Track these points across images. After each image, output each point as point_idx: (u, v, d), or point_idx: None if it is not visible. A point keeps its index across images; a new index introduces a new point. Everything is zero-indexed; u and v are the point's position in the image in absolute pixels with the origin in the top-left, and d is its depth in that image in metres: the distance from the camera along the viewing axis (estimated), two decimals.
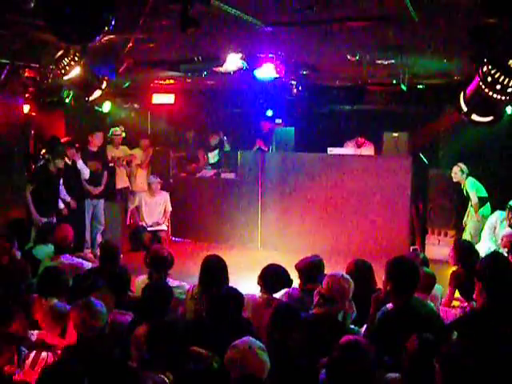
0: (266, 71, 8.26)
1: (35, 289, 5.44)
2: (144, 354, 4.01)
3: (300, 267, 5.75)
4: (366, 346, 3.56)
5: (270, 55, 8.00)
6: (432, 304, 5.11)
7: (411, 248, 9.69)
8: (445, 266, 9.74)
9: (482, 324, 4.22)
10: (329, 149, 11.35)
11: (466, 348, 3.48)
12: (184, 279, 6.40)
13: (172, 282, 5.90)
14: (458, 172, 9.76)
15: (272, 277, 5.50)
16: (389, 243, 9.78)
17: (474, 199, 9.58)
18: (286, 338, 4.11)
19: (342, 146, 11.71)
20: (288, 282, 5.57)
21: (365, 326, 4.86)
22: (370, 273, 5.66)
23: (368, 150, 11.76)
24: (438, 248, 10.53)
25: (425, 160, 11.29)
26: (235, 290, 4.84)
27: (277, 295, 5.63)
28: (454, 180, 9.86)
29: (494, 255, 5.25)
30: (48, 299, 5.14)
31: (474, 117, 5.47)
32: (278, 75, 8.45)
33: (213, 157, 13.34)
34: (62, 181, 9.59)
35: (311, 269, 5.67)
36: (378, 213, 10.32)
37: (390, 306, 4.57)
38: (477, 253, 6.64)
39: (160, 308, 4.81)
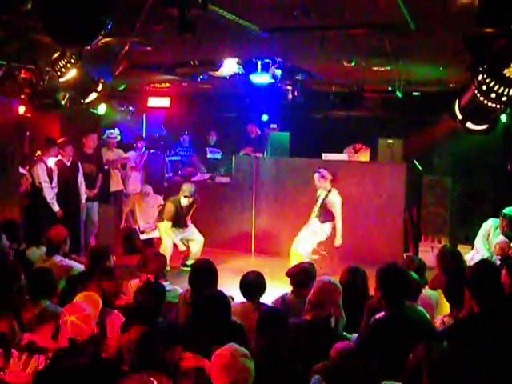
0: (262, 76, 8.28)
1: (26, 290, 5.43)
2: (135, 357, 3.99)
3: (291, 273, 5.78)
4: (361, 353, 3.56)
5: (267, 60, 8.02)
6: (424, 310, 5.10)
7: (404, 255, 9.69)
8: None
9: (471, 332, 4.23)
10: (323, 154, 11.35)
11: (453, 356, 3.48)
12: (177, 283, 6.39)
13: (165, 286, 5.88)
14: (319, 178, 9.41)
15: (250, 285, 5.50)
16: (382, 250, 9.79)
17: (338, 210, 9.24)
18: (273, 343, 4.10)
19: (336, 151, 11.69)
20: (265, 287, 5.58)
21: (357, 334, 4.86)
22: (364, 279, 5.66)
23: (364, 155, 11.80)
24: (432, 255, 10.52)
25: (419, 167, 11.32)
26: (219, 293, 4.82)
27: (271, 300, 5.65)
28: (318, 188, 9.48)
29: (483, 263, 5.26)
30: (40, 301, 5.13)
31: (469, 125, 5.47)
32: (273, 80, 8.47)
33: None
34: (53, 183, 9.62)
35: (302, 275, 5.69)
36: (371, 219, 10.34)
37: (382, 313, 4.57)
38: (459, 258, 6.66)
39: (153, 309, 4.80)
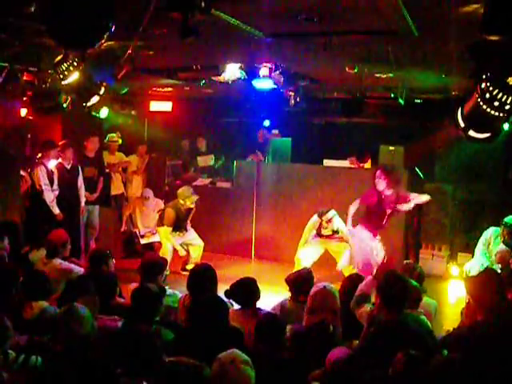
0: (265, 82, 8.28)
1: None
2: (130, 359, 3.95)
3: (289, 280, 5.77)
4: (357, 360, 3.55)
5: (269, 66, 8.02)
6: (424, 318, 5.08)
7: (405, 262, 9.65)
8: (438, 281, 9.76)
9: (472, 340, 4.21)
10: (324, 161, 11.36)
11: (452, 365, 3.46)
12: (176, 288, 6.38)
13: (165, 290, 5.86)
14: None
15: (241, 291, 5.47)
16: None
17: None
18: (271, 349, 4.09)
19: (337, 158, 11.68)
20: (258, 294, 5.54)
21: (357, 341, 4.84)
22: None
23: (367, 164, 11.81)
24: (432, 262, 10.53)
25: (421, 174, 11.31)
26: (218, 298, 4.80)
27: (270, 307, 5.63)
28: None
29: (485, 273, 5.25)
30: (39, 302, 5.13)
31: (472, 133, 5.47)
32: (276, 86, 8.46)
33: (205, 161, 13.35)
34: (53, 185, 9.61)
35: (300, 281, 5.68)
36: None
37: (382, 320, 4.56)
38: None
39: (150, 310, 4.79)
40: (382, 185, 8.24)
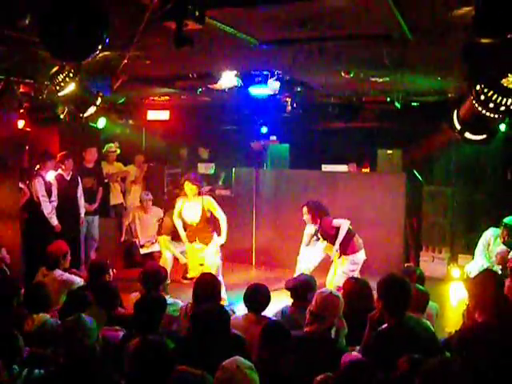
0: (261, 88, 8.28)
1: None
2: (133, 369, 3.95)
3: (291, 286, 5.75)
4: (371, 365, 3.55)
5: (265, 72, 8.03)
6: (428, 322, 5.07)
7: (405, 265, 9.66)
8: (439, 283, 9.76)
9: (473, 343, 4.20)
10: (323, 166, 11.36)
11: (447, 365, 3.46)
12: (177, 297, 6.37)
13: (166, 300, 5.86)
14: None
15: (255, 297, 5.46)
16: (383, 260, 9.76)
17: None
18: (276, 356, 4.08)
19: (336, 162, 11.68)
20: (269, 300, 5.54)
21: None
22: (367, 291, 5.63)
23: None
24: (432, 265, 10.53)
25: (419, 177, 11.32)
26: (218, 306, 4.79)
27: (271, 313, 5.62)
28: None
29: (483, 274, 5.25)
30: (40, 315, 5.13)
31: (468, 135, 5.48)
32: (272, 92, 8.47)
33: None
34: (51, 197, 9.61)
35: (302, 287, 5.66)
36: (372, 230, 10.29)
37: (386, 325, 4.54)
38: None
39: (153, 320, 4.79)
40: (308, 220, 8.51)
